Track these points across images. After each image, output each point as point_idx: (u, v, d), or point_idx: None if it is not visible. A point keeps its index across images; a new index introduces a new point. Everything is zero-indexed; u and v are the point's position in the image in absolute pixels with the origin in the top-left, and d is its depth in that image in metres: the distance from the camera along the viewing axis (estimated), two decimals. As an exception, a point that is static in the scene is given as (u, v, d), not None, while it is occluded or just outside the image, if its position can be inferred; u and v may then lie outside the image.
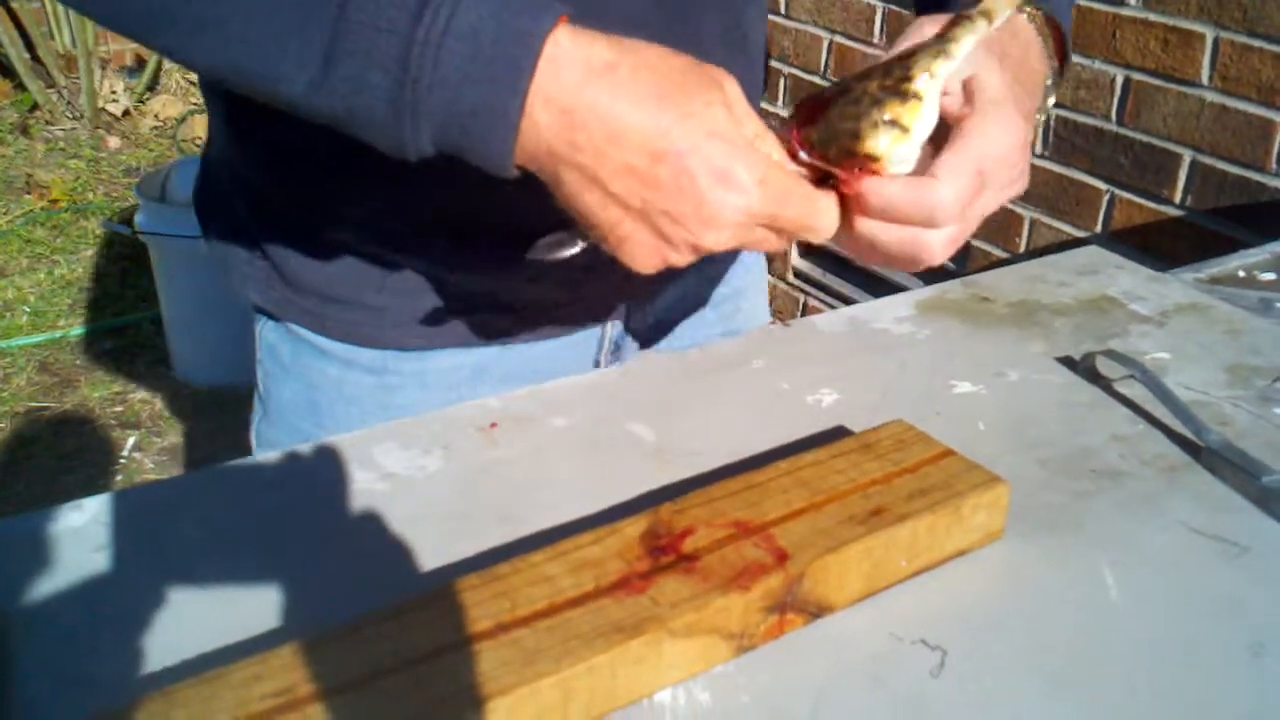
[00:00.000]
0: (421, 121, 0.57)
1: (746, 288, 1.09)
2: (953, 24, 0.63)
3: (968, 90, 0.66)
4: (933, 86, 0.61)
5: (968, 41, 0.62)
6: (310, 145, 0.77)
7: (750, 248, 0.64)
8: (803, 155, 0.65)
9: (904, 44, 0.66)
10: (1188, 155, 1.76)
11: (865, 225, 0.64)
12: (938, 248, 0.64)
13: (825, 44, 2.21)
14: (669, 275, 0.86)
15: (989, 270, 1.13)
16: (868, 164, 0.62)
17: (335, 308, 0.87)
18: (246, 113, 0.81)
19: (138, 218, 2.77)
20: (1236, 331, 1.01)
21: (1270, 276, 1.25)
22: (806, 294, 2.48)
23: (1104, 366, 0.92)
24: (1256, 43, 1.64)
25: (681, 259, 0.63)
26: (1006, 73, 0.67)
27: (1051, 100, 0.74)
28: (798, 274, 2.47)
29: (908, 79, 0.61)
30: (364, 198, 0.81)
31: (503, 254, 0.81)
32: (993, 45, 0.66)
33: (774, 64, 2.32)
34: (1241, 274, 1.25)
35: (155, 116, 4.35)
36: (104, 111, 4.28)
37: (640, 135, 0.57)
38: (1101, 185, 1.88)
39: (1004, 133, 0.64)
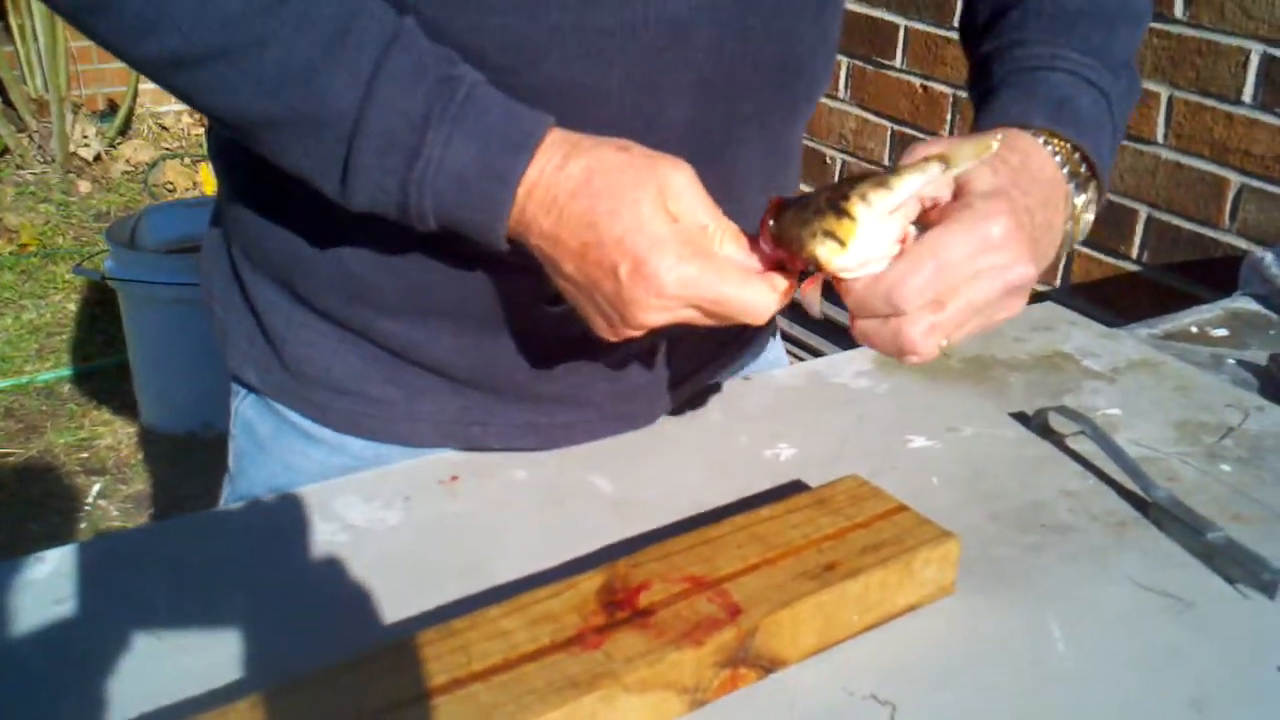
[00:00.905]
0: (428, 222, 0.68)
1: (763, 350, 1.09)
2: (906, 164, 0.66)
3: (957, 190, 0.69)
4: (866, 212, 0.64)
5: (912, 181, 0.65)
6: (330, 236, 0.80)
7: (697, 324, 0.68)
8: (763, 246, 0.68)
9: (904, 159, 0.68)
10: (1144, 211, 1.80)
11: (853, 319, 0.69)
12: (916, 336, 0.66)
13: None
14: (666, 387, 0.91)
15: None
16: (815, 266, 0.66)
17: (337, 398, 0.86)
18: (267, 194, 0.82)
19: (106, 264, 2.77)
20: (1186, 388, 1.04)
21: (1223, 333, 1.28)
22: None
23: (1056, 422, 0.94)
24: (1209, 102, 1.69)
25: (630, 332, 0.68)
26: (1001, 176, 0.69)
27: (1090, 215, 0.78)
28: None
29: (846, 199, 0.65)
30: (382, 287, 0.81)
31: (524, 349, 0.83)
32: (985, 176, 0.69)
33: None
34: (1194, 330, 1.28)
35: (127, 161, 4.35)
36: (75, 156, 4.28)
37: (575, 228, 0.65)
38: (1061, 240, 1.91)
39: (982, 220, 0.66)
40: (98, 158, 4.33)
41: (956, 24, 0.96)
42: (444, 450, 0.87)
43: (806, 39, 0.80)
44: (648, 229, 0.64)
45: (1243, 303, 1.36)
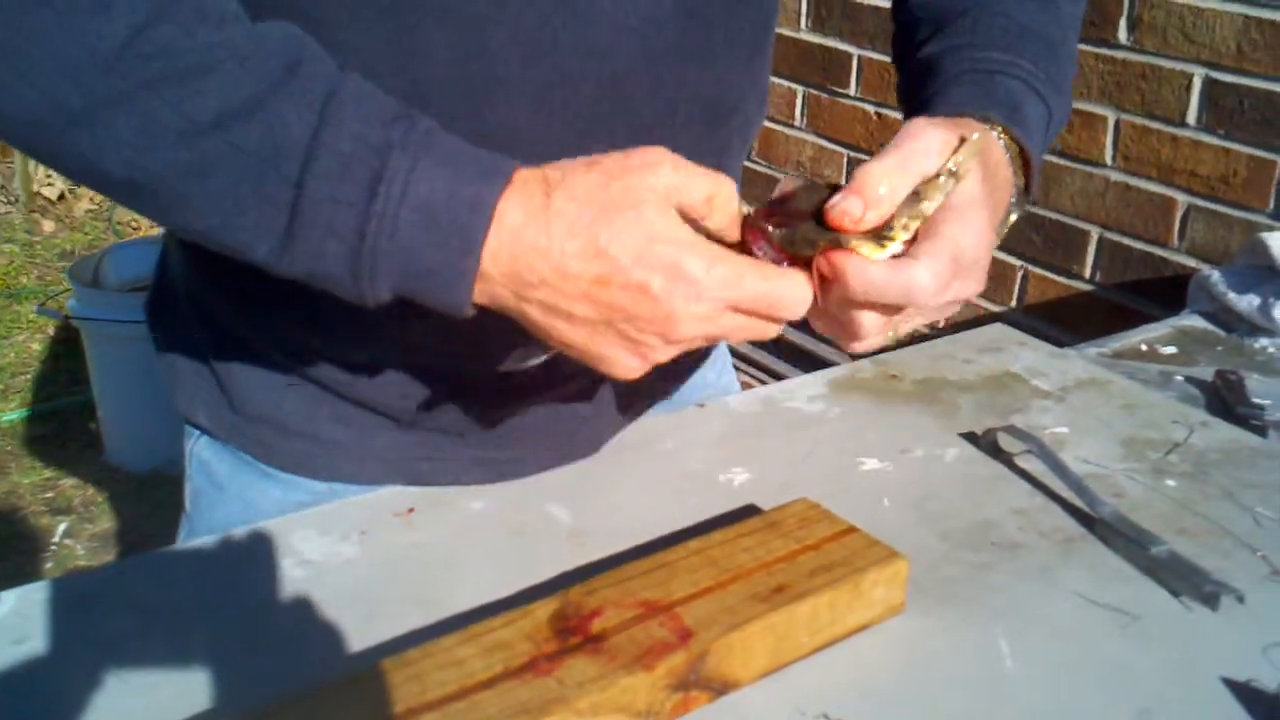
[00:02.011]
0: (379, 280, 0.61)
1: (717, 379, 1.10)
2: (927, 185, 0.67)
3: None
4: (905, 236, 0.66)
5: (938, 200, 0.67)
6: (275, 283, 0.79)
7: (730, 336, 0.66)
8: (764, 248, 0.67)
9: (896, 146, 0.68)
10: (1095, 232, 1.83)
11: (839, 304, 0.68)
12: (875, 328, 0.68)
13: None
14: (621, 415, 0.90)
15: (904, 347, 1.17)
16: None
17: (286, 439, 0.86)
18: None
19: (70, 303, 2.77)
20: (1133, 405, 1.06)
21: (1171, 350, 1.30)
22: (739, 370, 2.52)
23: (1005, 442, 0.95)
24: (1155, 124, 1.72)
25: (663, 356, 0.65)
26: (986, 181, 0.70)
27: (1013, 217, 0.78)
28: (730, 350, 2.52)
29: (889, 232, 0.66)
30: (329, 332, 0.81)
31: (470, 388, 0.83)
32: (974, 169, 0.70)
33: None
34: (1144, 348, 1.30)
35: (90, 200, 4.34)
36: (39, 195, 4.27)
37: (582, 263, 0.60)
38: (1015, 261, 1.94)
39: (978, 230, 0.68)
40: (61, 196, 4.31)
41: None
42: (396, 485, 0.87)
43: (740, 83, 0.82)
44: (665, 236, 0.61)
45: (1191, 320, 1.39)
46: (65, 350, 3.35)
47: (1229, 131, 1.63)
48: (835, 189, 0.68)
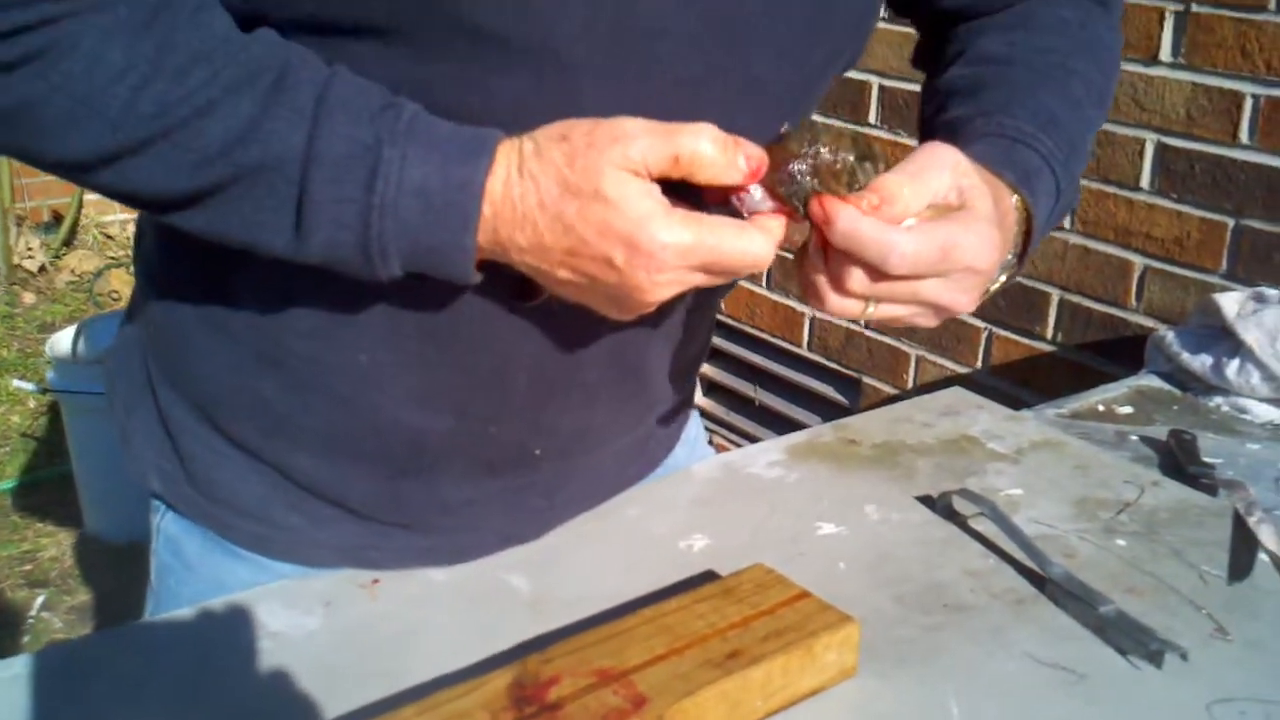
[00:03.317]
0: (390, 259, 0.66)
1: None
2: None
3: (962, 196, 0.70)
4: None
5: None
6: (233, 373, 0.81)
7: (707, 285, 0.68)
8: (743, 199, 0.68)
9: (910, 160, 0.70)
10: (1056, 294, 1.87)
11: (817, 252, 0.69)
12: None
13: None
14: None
15: (869, 410, 1.19)
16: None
17: (243, 519, 0.87)
18: (192, 321, 0.82)
19: (49, 375, 2.78)
20: (1086, 466, 1.08)
21: (1128, 410, 1.33)
22: (712, 432, 2.54)
23: (959, 504, 0.98)
24: (1110, 188, 1.76)
25: (649, 309, 0.68)
26: (997, 213, 0.72)
27: (1003, 277, 0.79)
28: (703, 413, 2.54)
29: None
30: (288, 421, 0.82)
31: (426, 481, 0.85)
32: (989, 185, 0.72)
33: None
34: (1101, 408, 1.33)
35: (71, 271, 4.36)
36: (19, 268, 4.28)
37: (553, 236, 0.65)
38: (980, 324, 1.98)
39: (983, 239, 0.69)
40: (42, 269, 4.33)
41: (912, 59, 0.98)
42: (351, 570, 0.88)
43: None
44: (624, 211, 0.63)
45: (1148, 380, 1.42)
46: (45, 423, 3.36)
47: (1181, 195, 1.68)
48: (820, 129, 0.69)
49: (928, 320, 0.73)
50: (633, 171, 0.64)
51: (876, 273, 0.67)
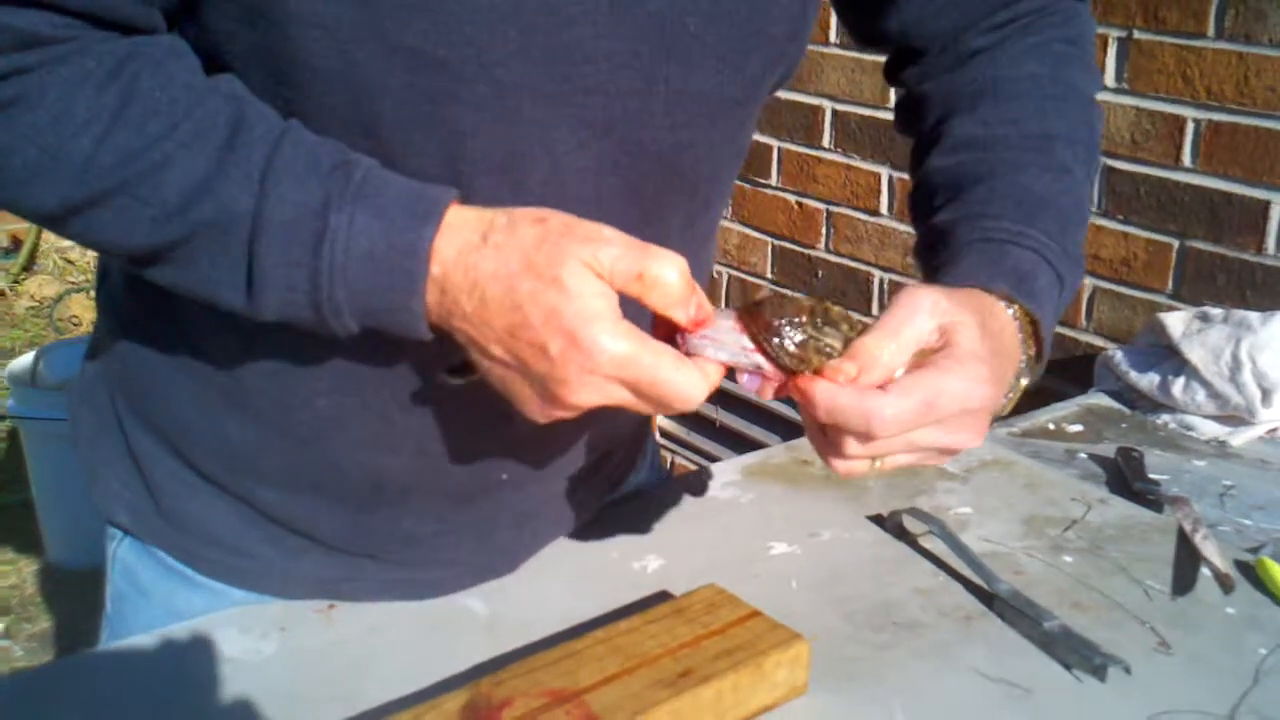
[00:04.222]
0: (344, 318, 0.66)
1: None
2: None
3: (945, 334, 0.69)
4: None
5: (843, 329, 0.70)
6: (215, 408, 0.81)
7: (629, 408, 0.67)
8: (683, 340, 0.68)
9: (888, 314, 0.70)
10: (1009, 314, 1.89)
11: (812, 425, 0.70)
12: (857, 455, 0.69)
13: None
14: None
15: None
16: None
17: (213, 549, 0.87)
18: (157, 360, 0.83)
19: (8, 401, 2.76)
20: (1035, 484, 1.10)
21: (1078, 428, 1.36)
22: (674, 453, 2.56)
23: (909, 523, 0.99)
24: (1062, 211, 1.79)
25: (566, 414, 0.67)
26: (987, 340, 0.71)
27: (1024, 382, 0.78)
28: (664, 434, 2.55)
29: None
30: (262, 455, 0.83)
31: (395, 514, 0.85)
32: (973, 313, 0.71)
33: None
34: (1051, 426, 1.35)
35: (31, 297, 4.33)
36: (-23, 293, 4.26)
37: (498, 311, 0.64)
38: (936, 343, 2.00)
39: (968, 380, 0.68)
40: (1, 294, 4.30)
41: (892, 107, 0.95)
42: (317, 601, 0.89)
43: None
44: (576, 305, 0.63)
45: (1097, 399, 1.44)
46: (3, 449, 3.33)
47: (1127, 217, 1.71)
48: (793, 301, 0.70)
49: (939, 460, 0.73)
50: (597, 273, 0.64)
51: (867, 436, 0.67)
